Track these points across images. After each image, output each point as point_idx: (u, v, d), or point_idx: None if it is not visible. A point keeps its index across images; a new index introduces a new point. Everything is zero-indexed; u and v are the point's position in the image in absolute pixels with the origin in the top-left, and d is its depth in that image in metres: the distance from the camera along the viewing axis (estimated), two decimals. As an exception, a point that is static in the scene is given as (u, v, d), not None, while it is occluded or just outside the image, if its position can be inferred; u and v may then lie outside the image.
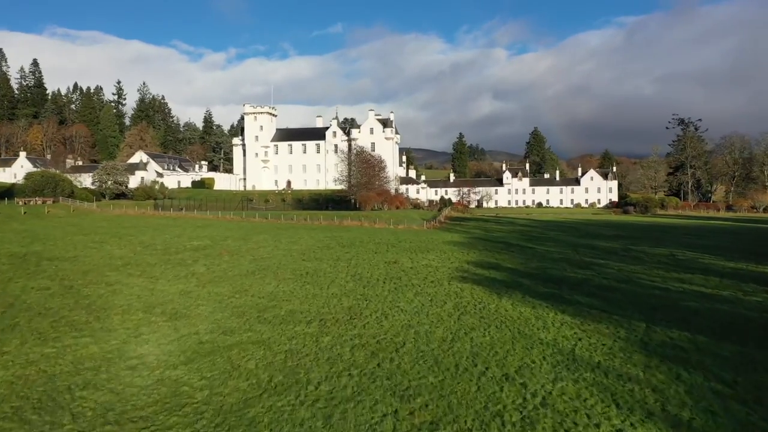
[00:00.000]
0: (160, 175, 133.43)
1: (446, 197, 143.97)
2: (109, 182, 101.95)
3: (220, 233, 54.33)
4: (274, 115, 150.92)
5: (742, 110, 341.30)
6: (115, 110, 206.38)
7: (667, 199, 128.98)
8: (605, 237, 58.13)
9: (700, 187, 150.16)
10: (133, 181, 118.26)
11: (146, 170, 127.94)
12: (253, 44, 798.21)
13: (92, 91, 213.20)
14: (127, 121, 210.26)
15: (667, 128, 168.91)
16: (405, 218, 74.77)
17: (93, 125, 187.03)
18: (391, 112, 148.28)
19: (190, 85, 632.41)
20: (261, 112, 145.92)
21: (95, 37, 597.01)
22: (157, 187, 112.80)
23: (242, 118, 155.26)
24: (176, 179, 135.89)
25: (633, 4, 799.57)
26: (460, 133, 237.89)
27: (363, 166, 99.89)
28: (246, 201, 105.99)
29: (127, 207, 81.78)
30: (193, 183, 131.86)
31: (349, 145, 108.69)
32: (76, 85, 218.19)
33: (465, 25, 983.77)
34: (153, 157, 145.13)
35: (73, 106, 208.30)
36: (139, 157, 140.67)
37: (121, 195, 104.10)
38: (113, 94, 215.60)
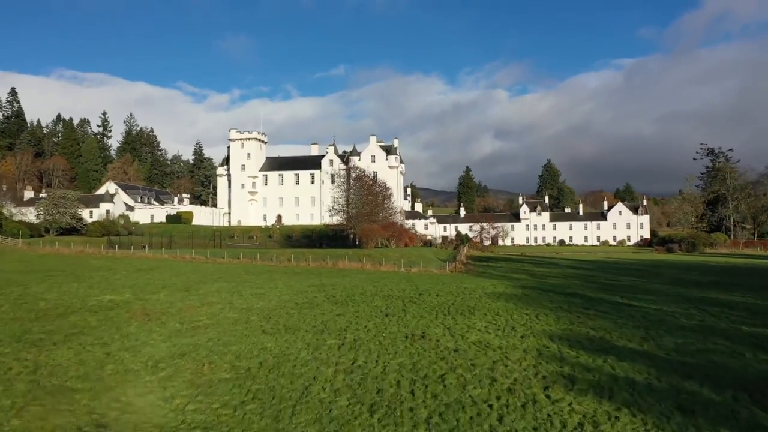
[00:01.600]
0: (130, 208, 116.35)
1: (462, 234, 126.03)
2: (57, 215, 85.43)
3: (158, 280, 37.87)
4: (263, 141, 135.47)
5: (746, 148, 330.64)
6: (99, 143, 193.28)
7: (714, 236, 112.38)
8: (704, 285, 41.49)
9: (743, 222, 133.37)
10: (97, 215, 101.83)
11: (113, 202, 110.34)
12: (256, 86, 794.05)
13: (76, 123, 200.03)
14: (113, 154, 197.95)
15: (694, 159, 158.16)
16: (419, 258, 58.02)
17: (74, 158, 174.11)
18: (396, 138, 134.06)
19: (194, 126, 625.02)
20: (249, 138, 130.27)
21: (101, 79, 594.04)
22: (122, 221, 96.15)
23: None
24: (149, 213, 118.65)
25: (632, 47, 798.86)
26: (467, 167, 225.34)
27: (364, 193, 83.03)
28: (219, 237, 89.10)
29: (64, 245, 64.91)
30: (168, 217, 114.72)
31: (348, 171, 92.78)
32: (59, 117, 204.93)
33: (467, 67, 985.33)
34: (124, 188, 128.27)
35: (55, 138, 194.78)
36: (105, 188, 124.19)
37: (74, 230, 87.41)
38: (98, 126, 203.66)
